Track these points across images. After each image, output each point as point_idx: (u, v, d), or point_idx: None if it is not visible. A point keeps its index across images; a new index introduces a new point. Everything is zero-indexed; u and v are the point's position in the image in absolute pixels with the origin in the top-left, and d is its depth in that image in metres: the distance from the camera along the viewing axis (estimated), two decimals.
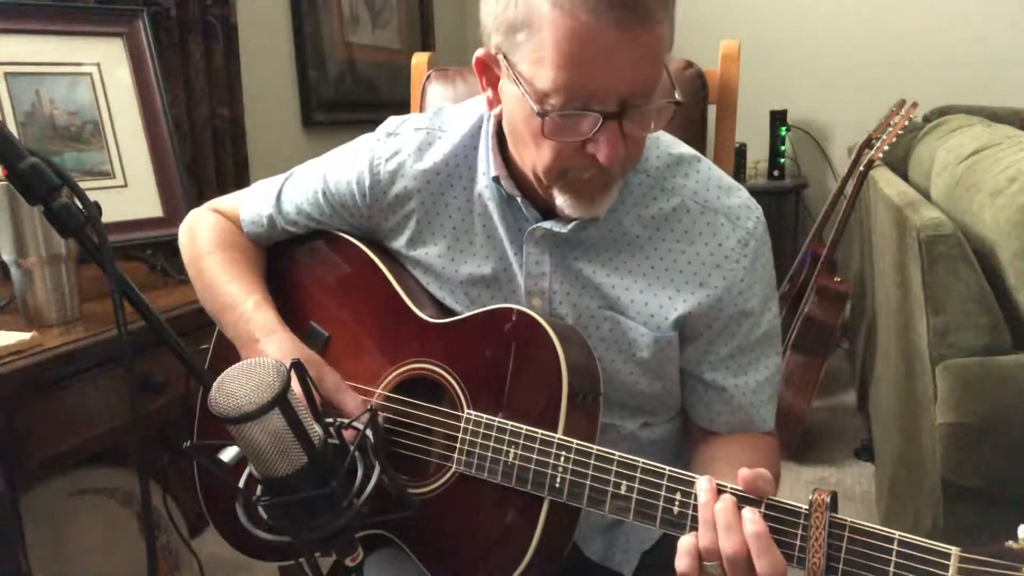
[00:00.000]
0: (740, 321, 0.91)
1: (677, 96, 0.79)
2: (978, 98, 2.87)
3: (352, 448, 0.72)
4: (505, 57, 0.80)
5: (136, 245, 1.55)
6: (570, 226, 0.88)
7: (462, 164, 0.96)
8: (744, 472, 0.72)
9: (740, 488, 0.73)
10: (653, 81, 0.76)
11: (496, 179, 0.91)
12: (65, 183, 0.72)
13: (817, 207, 3.16)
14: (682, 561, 0.72)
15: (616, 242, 0.91)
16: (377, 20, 3.11)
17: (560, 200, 0.85)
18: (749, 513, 0.71)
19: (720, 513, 0.71)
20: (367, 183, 0.98)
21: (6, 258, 1.24)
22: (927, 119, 2.73)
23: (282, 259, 1.08)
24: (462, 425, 0.86)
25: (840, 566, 0.69)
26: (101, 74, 1.54)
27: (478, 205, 0.95)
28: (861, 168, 2.46)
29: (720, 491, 0.73)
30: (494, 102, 0.87)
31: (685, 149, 0.95)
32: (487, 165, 0.93)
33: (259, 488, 0.71)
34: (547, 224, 0.89)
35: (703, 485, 0.74)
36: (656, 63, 0.76)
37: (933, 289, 1.41)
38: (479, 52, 0.84)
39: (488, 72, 0.85)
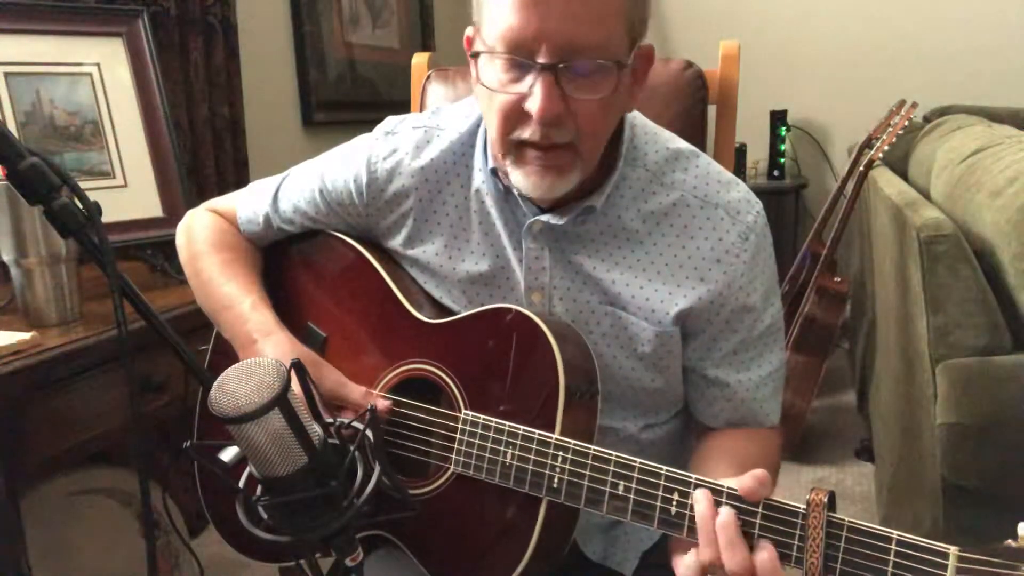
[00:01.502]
0: (742, 316, 0.91)
1: (627, 60, 0.80)
2: (978, 98, 2.87)
3: (352, 448, 0.73)
4: (478, 29, 0.83)
5: (136, 245, 1.55)
6: (567, 218, 0.88)
7: (459, 161, 0.96)
8: (746, 483, 0.72)
9: (737, 491, 0.73)
10: (592, 38, 0.77)
11: (494, 171, 0.91)
12: (65, 183, 0.72)
13: (817, 207, 3.16)
14: None
15: (616, 237, 0.91)
16: (377, 20, 3.11)
17: (514, 178, 0.85)
18: (764, 541, 0.71)
19: (722, 530, 0.71)
20: (364, 181, 0.98)
21: (6, 258, 1.24)
22: (927, 119, 2.73)
23: (279, 260, 1.08)
24: (459, 426, 0.86)
25: (838, 566, 0.69)
26: (101, 74, 1.54)
27: (475, 202, 0.95)
28: (861, 168, 2.46)
29: (717, 502, 0.73)
30: (476, 81, 0.88)
31: (683, 144, 0.95)
32: (484, 161, 0.93)
33: (259, 488, 0.71)
34: (545, 217, 0.89)
35: (700, 498, 0.74)
36: (597, 20, 0.76)
37: (933, 289, 1.41)
38: (468, 32, 0.86)
39: (471, 48, 0.87)
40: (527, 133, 0.81)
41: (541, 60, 0.77)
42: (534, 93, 0.78)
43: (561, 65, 0.77)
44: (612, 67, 0.78)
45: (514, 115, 0.81)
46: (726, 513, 0.72)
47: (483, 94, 0.84)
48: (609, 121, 0.85)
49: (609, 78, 0.79)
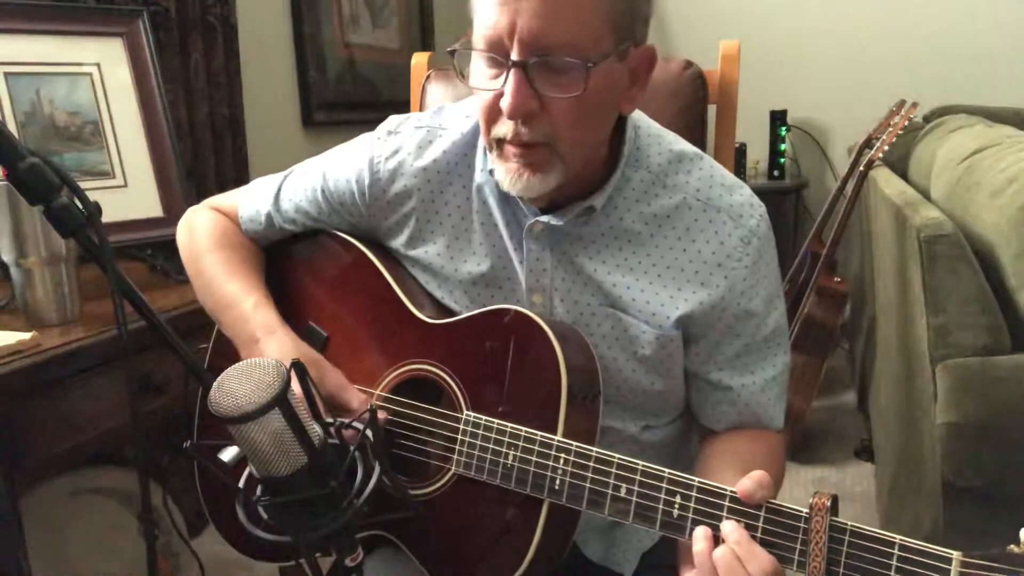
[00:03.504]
0: (744, 321, 0.90)
1: (606, 59, 0.79)
2: (978, 98, 2.87)
3: (352, 448, 0.73)
4: (471, 33, 0.83)
5: (136, 245, 1.55)
6: (567, 218, 0.88)
7: (461, 162, 0.96)
8: (744, 485, 0.72)
9: (738, 495, 0.73)
10: (564, 35, 0.76)
11: (491, 172, 0.91)
12: (65, 183, 0.72)
13: (817, 207, 3.16)
14: None
15: (617, 239, 0.90)
16: (377, 20, 3.10)
17: (497, 174, 0.86)
18: (730, 528, 0.72)
19: (720, 559, 0.71)
20: (367, 181, 0.98)
21: (6, 258, 1.24)
22: (927, 119, 2.73)
23: (280, 259, 1.08)
24: (461, 427, 0.86)
25: (841, 570, 0.69)
26: (101, 74, 1.54)
27: (477, 202, 0.95)
28: (861, 168, 2.46)
29: (716, 538, 0.73)
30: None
31: (687, 146, 0.95)
32: (485, 161, 0.93)
33: (259, 488, 0.71)
34: (545, 218, 0.89)
35: (699, 536, 0.74)
36: (571, 17, 0.76)
37: (933, 289, 1.41)
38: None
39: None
40: (503, 130, 0.82)
41: (513, 56, 0.77)
42: (505, 92, 0.79)
43: (533, 61, 0.77)
44: (583, 67, 0.77)
45: (493, 112, 0.82)
46: (722, 548, 0.72)
47: (477, 101, 0.85)
48: (590, 121, 0.83)
49: (583, 76, 0.78)
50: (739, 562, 0.70)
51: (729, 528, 0.72)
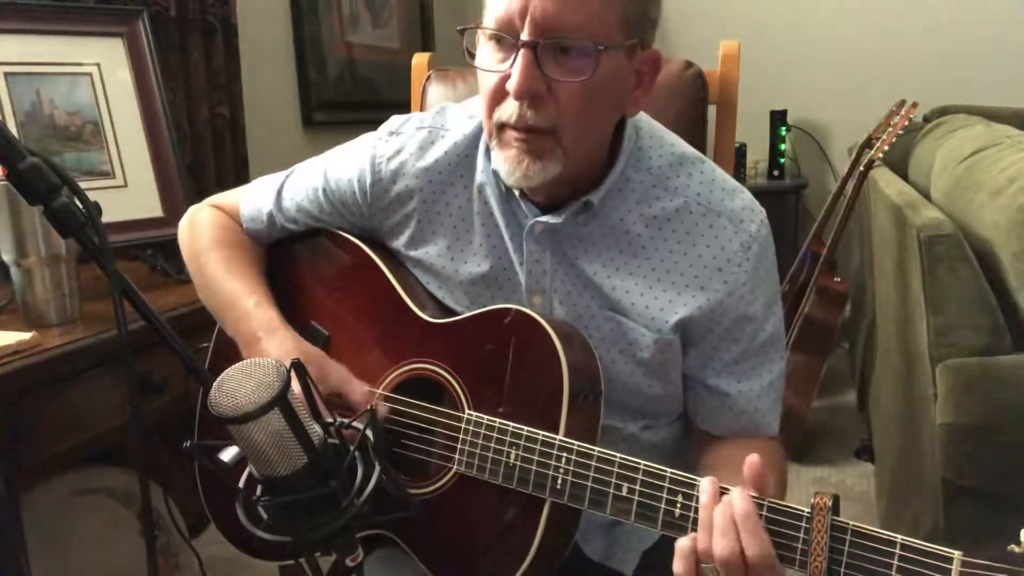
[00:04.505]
0: (743, 326, 0.90)
1: (615, 47, 0.79)
2: (978, 98, 2.87)
3: (352, 448, 0.73)
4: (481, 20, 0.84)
5: (136, 245, 1.55)
6: (564, 216, 0.88)
7: (463, 163, 0.96)
8: (752, 458, 0.72)
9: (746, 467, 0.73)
10: (576, 18, 0.77)
11: (495, 172, 0.91)
12: (65, 183, 0.72)
13: (817, 207, 3.16)
14: (679, 564, 0.72)
15: (617, 241, 0.90)
16: (377, 20, 3.10)
17: (495, 162, 0.86)
18: (737, 495, 0.71)
19: (718, 516, 0.71)
20: (368, 181, 0.98)
21: (6, 258, 1.24)
22: (927, 119, 2.73)
23: (282, 258, 1.08)
24: (463, 426, 0.86)
25: (842, 569, 0.69)
26: (101, 74, 1.54)
27: (478, 203, 0.94)
28: (861, 168, 2.46)
29: (722, 493, 0.73)
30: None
31: (688, 149, 0.95)
32: (486, 162, 0.93)
33: (259, 488, 0.71)
34: (544, 218, 0.89)
35: (705, 487, 0.74)
36: (581, 3, 0.77)
37: (933, 289, 1.41)
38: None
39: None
40: (507, 113, 0.81)
41: (524, 37, 0.78)
42: (512, 73, 0.79)
43: (543, 43, 0.77)
44: (594, 49, 0.78)
45: (498, 94, 0.82)
46: (724, 501, 0.72)
47: (479, 78, 0.85)
48: (595, 111, 0.83)
49: (592, 61, 0.78)
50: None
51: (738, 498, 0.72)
